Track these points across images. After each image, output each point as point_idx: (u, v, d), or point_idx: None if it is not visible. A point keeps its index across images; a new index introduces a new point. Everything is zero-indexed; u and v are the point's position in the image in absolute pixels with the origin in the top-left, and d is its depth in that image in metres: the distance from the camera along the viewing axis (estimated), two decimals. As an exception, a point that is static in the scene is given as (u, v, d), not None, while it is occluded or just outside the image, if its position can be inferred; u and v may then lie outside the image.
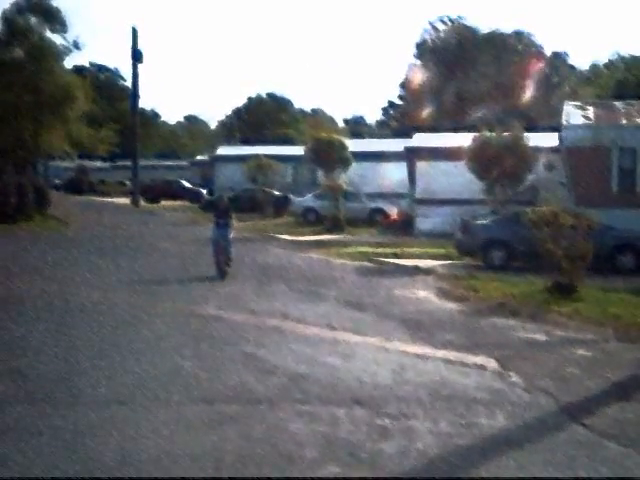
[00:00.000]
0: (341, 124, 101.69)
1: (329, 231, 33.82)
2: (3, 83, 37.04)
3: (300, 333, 12.90)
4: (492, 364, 11.15)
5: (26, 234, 30.00)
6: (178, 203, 56.81)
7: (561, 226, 16.90)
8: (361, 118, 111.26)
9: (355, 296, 17.16)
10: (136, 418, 8.22)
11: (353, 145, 40.31)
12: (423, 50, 79.01)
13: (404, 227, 34.17)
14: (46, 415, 8.21)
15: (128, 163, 61.13)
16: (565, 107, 27.07)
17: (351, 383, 9.86)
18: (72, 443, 7.39)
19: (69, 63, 40.49)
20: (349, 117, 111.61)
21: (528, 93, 66.41)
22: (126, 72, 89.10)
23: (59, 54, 40.02)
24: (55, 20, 39.70)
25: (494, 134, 28.03)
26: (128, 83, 72.20)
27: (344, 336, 12.87)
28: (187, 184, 63.13)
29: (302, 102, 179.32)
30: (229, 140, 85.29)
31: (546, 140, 30.06)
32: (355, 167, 38.71)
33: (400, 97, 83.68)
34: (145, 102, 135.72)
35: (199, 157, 76.73)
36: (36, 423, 7.92)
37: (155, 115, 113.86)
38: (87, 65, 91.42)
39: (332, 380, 9.90)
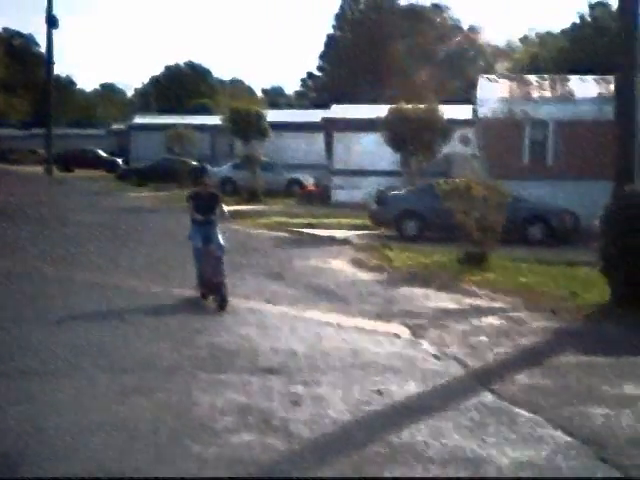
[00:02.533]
0: (260, 94, 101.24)
1: (246, 201, 33.74)
2: None
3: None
4: (405, 332, 11.34)
5: None
6: (93, 172, 55.90)
7: (473, 197, 17.19)
8: (280, 89, 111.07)
9: (271, 266, 17.22)
10: (43, 389, 8.15)
11: (271, 116, 40.17)
12: (342, 21, 79.00)
13: (321, 198, 34.35)
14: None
15: (41, 131, 59.83)
16: (480, 80, 27.43)
17: (265, 352, 9.91)
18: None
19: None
20: (268, 88, 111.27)
21: (445, 66, 67.05)
22: (41, 38, 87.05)
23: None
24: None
25: (410, 106, 28.25)
26: (43, 49, 70.58)
27: (259, 306, 12.92)
28: (103, 153, 62.15)
29: (221, 72, 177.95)
30: (146, 109, 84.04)
31: (461, 113, 30.48)
32: (273, 138, 38.61)
33: (319, 68, 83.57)
34: (61, 69, 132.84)
35: (115, 126, 75.46)
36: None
37: (71, 82, 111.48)
38: (0, 31, 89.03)
39: (246, 350, 9.94)
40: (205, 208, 12.98)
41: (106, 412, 7.50)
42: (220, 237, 13.00)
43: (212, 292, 12.65)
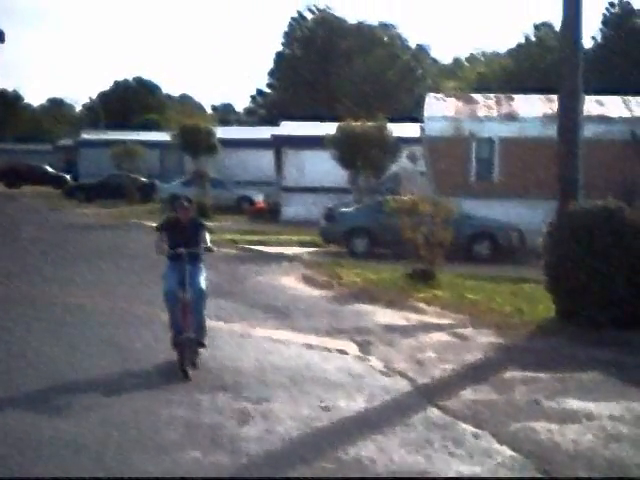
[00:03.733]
0: (209, 111, 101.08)
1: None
2: None
3: (163, 320, 12.83)
4: (352, 349, 11.42)
5: None
6: (41, 188, 55.30)
7: (420, 214, 17.37)
8: (230, 105, 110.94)
9: (220, 283, 17.16)
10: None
11: (221, 132, 40.16)
12: (291, 39, 79.32)
13: (271, 215, 34.38)
14: None
15: (-15, 146, 59.07)
16: (427, 99, 27.71)
17: (214, 369, 9.92)
18: None
19: None
20: (218, 104, 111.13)
21: (393, 84, 67.67)
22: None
23: None
24: None
25: (358, 124, 28.45)
26: (-13, 64, 69.67)
27: (208, 323, 12.87)
28: (50, 169, 61.52)
29: (170, 88, 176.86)
30: (94, 125, 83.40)
31: (409, 130, 30.74)
32: (223, 154, 38.60)
33: (269, 85, 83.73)
34: (7, 83, 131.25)
35: (63, 142, 74.76)
36: None
37: (17, 97, 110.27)
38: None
39: (194, 366, 9.91)
40: (184, 241, 10.02)
41: (55, 428, 7.44)
42: (203, 279, 10.12)
43: (190, 351, 9.79)
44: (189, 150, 37.68)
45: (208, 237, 10.34)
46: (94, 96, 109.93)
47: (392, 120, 30.20)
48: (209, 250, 10.28)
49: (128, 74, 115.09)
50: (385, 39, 78.65)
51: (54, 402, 8.38)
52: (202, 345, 10.06)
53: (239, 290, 16.48)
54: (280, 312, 14.16)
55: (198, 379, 9.38)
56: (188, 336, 9.71)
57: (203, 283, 10.08)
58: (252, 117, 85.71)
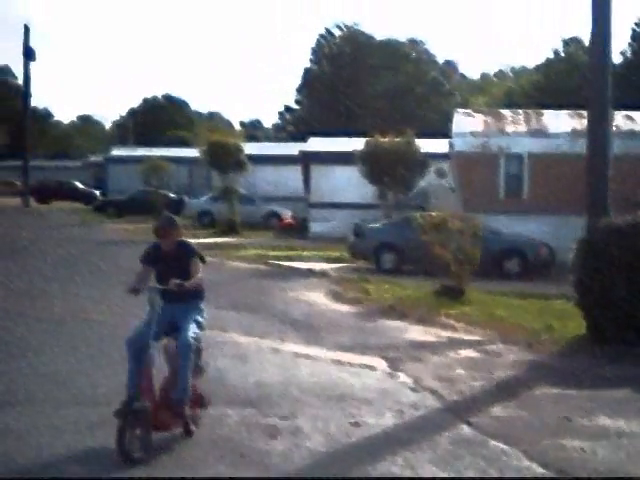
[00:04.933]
0: (238, 127, 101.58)
1: (224, 234, 33.76)
2: None
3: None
4: (381, 365, 11.38)
5: None
6: (70, 204, 55.71)
7: (449, 231, 17.31)
8: (258, 122, 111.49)
9: (248, 298, 17.23)
10: None
11: (249, 148, 40.33)
12: (319, 55, 79.61)
13: (299, 231, 34.44)
14: None
15: (18, 162, 59.69)
16: (455, 114, 27.68)
17: (242, 384, 9.93)
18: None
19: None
20: (246, 120, 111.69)
21: (421, 100, 67.64)
22: (18, 70, 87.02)
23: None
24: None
25: (386, 139, 28.47)
26: (20, 81, 70.51)
27: (237, 338, 12.93)
28: (80, 185, 62.00)
29: (199, 104, 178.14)
30: (124, 141, 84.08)
31: (437, 146, 30.72)
32: (251, 170, 38.72)
33: (297, 102, 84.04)
34: (38, 101, 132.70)
35: (93, 158, 75.40)
36: None
37: (48, 114, 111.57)
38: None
39: (223, 381, 9.93)
40: (170, 273, 7.76)
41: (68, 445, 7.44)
42: (194, 326, 7.90)
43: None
44: (217, 166, 37.84)
45: (199, 268, 7.98)
46: (124, 113, 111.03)
47: (420, 136, 30.20)
48: (181, 287, 7.60)
49: (157, 91, 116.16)
50: (413, 55, 78.76)
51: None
52: (180, 414, 7.60)
53: (267, 305, 16.48)
54: (308, 328, 14.14)
55: (225, 394, 9.38)
56: (143, 405, 7.18)
57: (191, 333, 7.73)
58: (280, 133, 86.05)
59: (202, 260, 8.14)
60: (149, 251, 8.20)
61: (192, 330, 7.83)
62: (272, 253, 26.60)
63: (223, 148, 36.92)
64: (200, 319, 8.13)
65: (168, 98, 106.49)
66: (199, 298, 8.21)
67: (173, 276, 7.69)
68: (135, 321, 8.06)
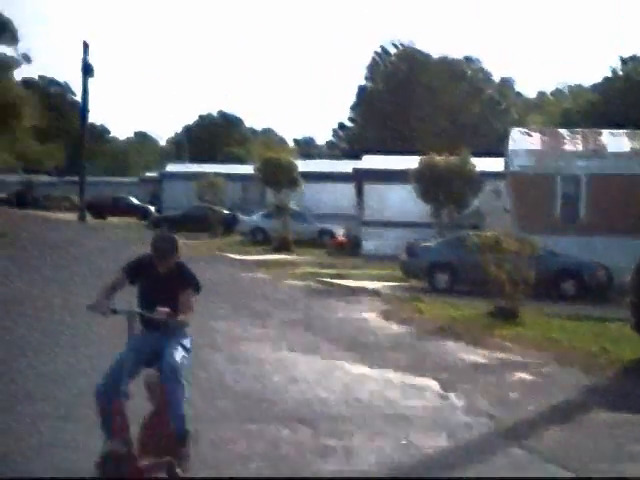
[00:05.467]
0: (292, 144, 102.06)
1: (277, 251, 33.85)
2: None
3: (246, 353, 12.92)
4: (434, 386, 11.29)
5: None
6: (126, 220, 56.33)
7: (504, 251, 17.15)
8: (311, 139, 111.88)
9: (301, 316, 17.22)
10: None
11: (303, 165, 40.47)
12: (374, 73, 79.71)
13: (352, 248, 34.37)
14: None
15: (75, 178, 60.59)
16: (512, 133, 27.50)
17: (296, 402, 9.91)
18: None
19: (18, 76, 40.29)
20: (299, 138, 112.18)
21: (477, 118, 67.34)
22: (76, 86, 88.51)
23: (8, 66, 39.66)
24: (5, 32, 39.40)
25: (441, 158, 28.39)
26: (78, 97, 71.72)
27: (290, 356, 12.92)
28: (135, 201, 62.67)
29: (253, 121, 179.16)
30: (179, 158, 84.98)
31: (492, 165, 30.52)
32: (304, 188, 38.83)
33: (350, 119, 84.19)
34: (95, 117, 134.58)
35: (148, 174, 76.31)
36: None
37: (105, 130, 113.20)
38: (36, 78, 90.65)
39: (277, 399, 9.93)
40: (158, 298, 6.61)
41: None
42: (179, 351, 6.69)
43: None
44: (271, 183, 38.03)
45: (192, 303, 6.82)
46: (179, 130, 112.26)
47: (475, 154, 30.05)
48: (170, 318, 6.48)
49: (212, 108, 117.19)
50: (468, 73, 78.47)
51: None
52: (183, 446, 6.57)
53: (319, 324, 16.45)
54: (360, 346, 14.08)
55: (279, 412, 9.38)
56: (117, 450, 6.11)
57: (178, 356, 6.61)
58: (333, 151, 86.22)
59: (197, 289, 6.94)
60: (138, 262, 6.93)
61: (179, 353, 6.64)
62: (324, 271, 26.60)
63: (277, 165, 37.10)
64: (185, 343, 6.84)
65: (223, 115, 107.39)
66: (184, 331, 6.93)
67: (161, 302, 6.51)
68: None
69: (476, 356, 13.77)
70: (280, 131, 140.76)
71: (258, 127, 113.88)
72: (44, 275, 21.26)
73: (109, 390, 6.27)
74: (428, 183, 27.81)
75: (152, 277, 6.76)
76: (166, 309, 6.46)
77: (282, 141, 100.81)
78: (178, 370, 6.54)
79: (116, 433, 6.16)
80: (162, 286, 6.70)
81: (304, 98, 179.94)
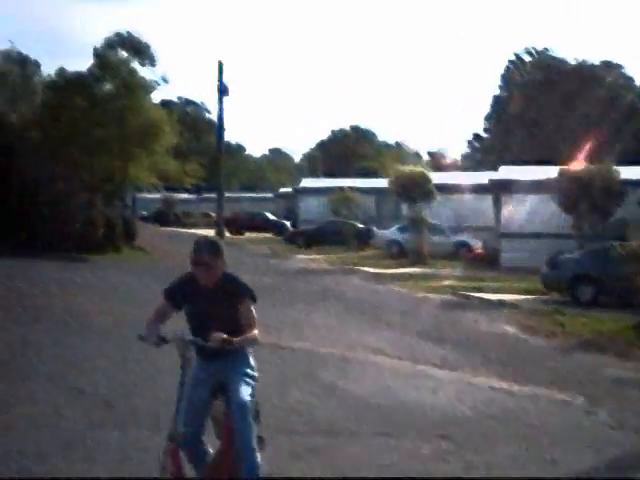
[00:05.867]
0: (425, 157, 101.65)
1: (413, 264, 33.64)
2: (93, 118, 38.01)
3: (384, 366, 12.80)
4: (579, 401, 10.91)
5: (111, 263, 30.29)
6: (262, 235, 57.27)
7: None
8: (445, 150, 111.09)
9: (439, 330, 16.98)
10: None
11: (437, 177, 40.17)
12: (508, 82, 78.55)
13: (489, 261, 33.78)
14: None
15: (213, 195, 62.09)
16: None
17: (436, 417, 9.73)
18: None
19: (157, 97, 41.58)
20: (433, 149, 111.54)
21: (618, 125, 65.30)
22: (212, 105, 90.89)
23: (147, 88, 40.93)
24: (144, 55, 40.69)
25: (582, 167, 27.64)
26: (213, 116, 73.51)
27: (429, 370, 12.73)
28: (271, 216, 63.63)
29: (386, 135, 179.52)
30: (313, 173, 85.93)
31: (637, 173, 29.50)
32: (439, 200, 38.50)
33: (485, 130, 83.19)
34: (230, 135, 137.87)
35: (283, 189, 77.48)
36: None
37: (240, 148, 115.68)
38: (174, 99, 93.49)
39: (416, 414, 9.78)
40: (210, 320, 5.75)
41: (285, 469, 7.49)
42: (246, 385, 5.89)
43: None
44: (405, 196, 37.91)
45: (254, 314, 5.89)
46: (312, 145, 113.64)
47: (617, 163, 29.12)
48: (228, 344, 5.55)
49: (345, 123, 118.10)
50: (608, 79, 76.24)
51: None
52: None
53: (457, 337, 16.18)
54: (500, 361, 13.77)
55: (419, 426, 9.22)
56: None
57: (246, 393, 5.82)
58: (468, 162, 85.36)
59: (253, 298, 5.95)
60: (179, 283, 6.05)
61: (246, 388, 5.87)
62: (461, 284, 26.24)
63: (411, 178, 36.98)
64: (250, 372, 6.03)
65: (355, 129, 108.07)
66: (248, 353, 6.11)
67: (214, 324, 5.66)
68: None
69: (623, 370, 13.28)
70: (413, 143, 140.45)
71: (391, 140, 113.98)
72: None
73: (190, 440, 5.69)
74: (569, 193, 27.08)
75: (198, 296, 5.86)
76: (221, 334, 5.52)
77: (415, 153, 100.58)
78: (247, 409, 5.75)
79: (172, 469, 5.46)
80: (212, 305, 5.81)
81: (437, 109, 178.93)
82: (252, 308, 5.89)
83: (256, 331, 5.83)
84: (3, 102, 43.84)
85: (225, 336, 5.52)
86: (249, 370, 6.01)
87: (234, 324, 5.75)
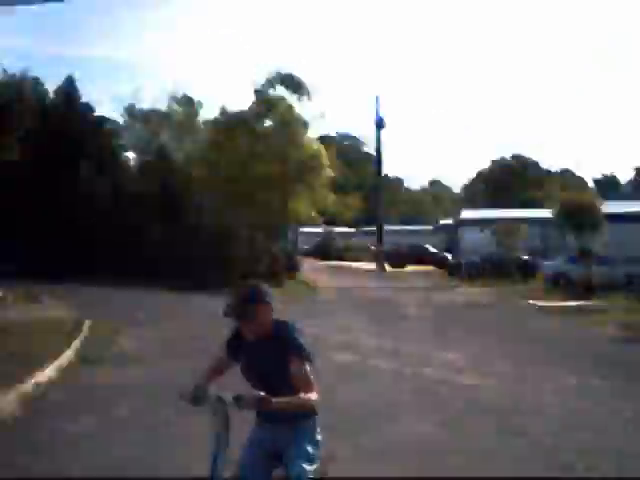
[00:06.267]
0: (591, 185, 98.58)
1: (579, 297, 32.28)
2: (254, 154, 38.83)
3: (553, 405, 12.03)
4: None
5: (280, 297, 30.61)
6: (424, 268, 56.65)
7: None
8: (614, 177, 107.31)
9: (609, 368, 15.87)
10: None
11: (605, 206, 38.62)
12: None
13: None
14: None
15: (372, 228, 62.14)
16: None
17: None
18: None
19: (315, 132, 42.23)
20: (600, 177, 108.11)
21: None
22: (368, 138, 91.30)
23: (305, 124, 41.57)
24: (302, 91, 41.42)
25: None
26: (370, 149, 73.81)
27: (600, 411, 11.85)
28: (431, 249, 62.95)
29: (549, 162, 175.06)
30: (473, 204, 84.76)
31: None
32: (609, 230, 36.93)
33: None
34: (388, 168, 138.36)
35: (443, 221, 76.77)
36: None
37: (398, 181, 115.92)
38: (333, 134, 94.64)
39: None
40: (258, 377, 4.98)
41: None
42: (306, 459, 4.94)
43: None
44: (571, 226, 36.66)
45: (308, 374, 4.87)
46: (472, 176, 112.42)
47: None
48: (267, 405, 4.56)
49: (505, 152, 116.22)
50: None
51: None
52: None
53: (628, 377, 15.05)
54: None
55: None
56: None
57: (304, 466, 4.90)
58: (638, 191, 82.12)
59: (306, 357, 4.91)
60: (230, 338, 5.24)
61: (306, 464, 4.91)
62: (634, 318, 24.80)
63: (577, 207, 35.73)
64: (311, 451, 5.03)
65: (517, 158, 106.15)
66: (311, 415, 5.11)
67: (263, 383, 4.82)
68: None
69: None
70: (579, 171, 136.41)
71: (555, 168, 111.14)
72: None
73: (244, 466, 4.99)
74: None
75: (246, 352, 5.07)
76: (258, 394, 4.57)
77: (581, 181, 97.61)
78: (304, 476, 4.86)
79: None
80: (258, 359, 4.98)
81: (604, 135, 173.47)
82: (306, 367, 4.88)
83: (314, 395, 4.83)
84: (169, 141, 45.45)
85: (262, 395, 4.56)
86: (310, 448, 5.02)
87: (284, 381, 4.83)
